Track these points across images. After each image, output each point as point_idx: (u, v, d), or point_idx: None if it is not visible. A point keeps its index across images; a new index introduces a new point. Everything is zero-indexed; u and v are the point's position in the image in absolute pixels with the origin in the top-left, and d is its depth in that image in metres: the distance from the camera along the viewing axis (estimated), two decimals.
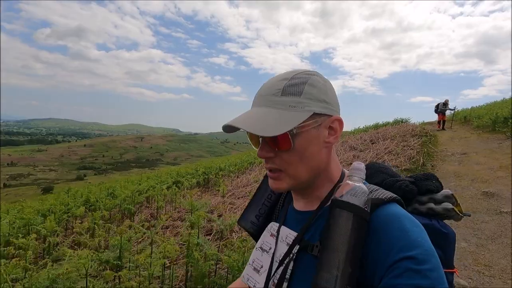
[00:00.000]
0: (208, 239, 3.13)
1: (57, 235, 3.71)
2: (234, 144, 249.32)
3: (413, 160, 6.51)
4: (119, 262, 2.04)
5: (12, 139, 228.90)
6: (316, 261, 0.52)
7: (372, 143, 8.64)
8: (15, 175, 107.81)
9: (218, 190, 6.60)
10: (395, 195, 0.56)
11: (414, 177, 0.77)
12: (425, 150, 7.45)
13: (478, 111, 13.67)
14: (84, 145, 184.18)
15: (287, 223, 0.66)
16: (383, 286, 0.46)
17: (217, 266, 2.62)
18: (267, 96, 0.58)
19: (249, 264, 0.70)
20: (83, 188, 8.89)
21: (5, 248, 2.93)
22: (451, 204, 0.71)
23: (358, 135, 11.02)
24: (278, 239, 0.65)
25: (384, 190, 0.57)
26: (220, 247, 2.97)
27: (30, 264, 2.03)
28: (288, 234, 0.63)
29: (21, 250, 2.63)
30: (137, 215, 4.81)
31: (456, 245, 2.38)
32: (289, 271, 0.58)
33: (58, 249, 2.97)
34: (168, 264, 2.50)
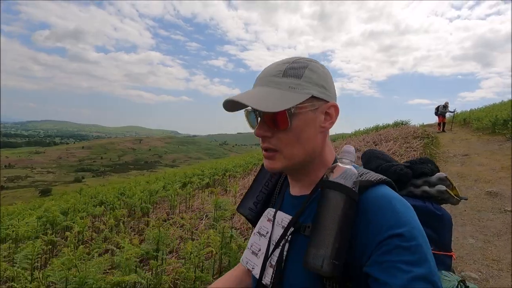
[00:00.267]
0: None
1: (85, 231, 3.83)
2: (233, 146, 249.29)
3: None
4: (157, 254, 2.16)
5: (10, 141, 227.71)
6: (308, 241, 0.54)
7: (375, 145, 8.79)
8: (13, 177, 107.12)
9: (226, 190, 6.72)
10: (385, 177, 0.57)
11: (410, 162, 0.79)
12: (428, 151, 7.61)
13: (477, 114, 13.88)
14: (82, 147, 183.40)
15: (283, 208, 0.68)
16: (371, 263, 0.48)
17: None
18: (268, 77, 0.60)
19: (248, 248, 0.73)
20: (93, 189, 8.98)
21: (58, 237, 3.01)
22: (444, 186, 0.73)
23: (360, 137, 11.18)
24: (274, 223, 0.67)
25: (375, 173, 0.59)
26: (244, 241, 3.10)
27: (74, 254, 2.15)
28: (284, 218, 0.65)
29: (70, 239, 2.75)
30: (153, 214, 4.94)
31: (464, 241, 2.54)
32: (284, 253, 0.60)
33: (92, 243, 3.09)
34: (208, 254, 2.59)
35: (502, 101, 17.59)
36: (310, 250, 0.50)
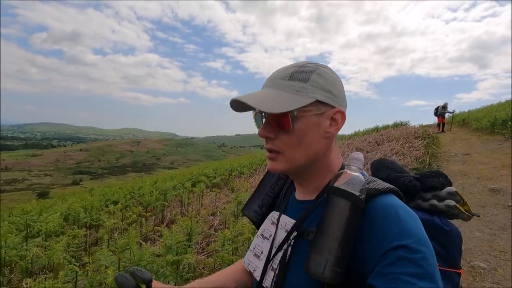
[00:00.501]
0: None
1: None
2: (231, 148, 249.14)
3: (420, 160, 6.81)
4: (189, 242, 2.27)
5: (7, 143, 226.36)
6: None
7: (378, 145, 8.95)
8: (10, 180, 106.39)
9: (232, 190, 6.83)
10: (392, 186, 0.57)
11: (420, 174, 0.77)
12: (430, 151, 7.78)
13: (475, 114, 14.11)
14: (80, 150, 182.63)
15: (288, 212, 0.68)
16: (376, 274, 0.47)
17: None
18: (275, 79, 0.60)
19: (250, 250, 0.73)
20: (101, 190, 9.06)
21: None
22: (453, 201, 0.71)
23: (362, 137, 11.34)
24: (278, 226, 0.67)
25: (383, 182, 0.58)
26: None
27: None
28: (287, 222, 0.65)
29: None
30: (167, 211, 5.05)
31: (471, 235, 2.71)
32: (287, 256, 0.60)
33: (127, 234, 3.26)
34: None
35: (499, 102, 17.87)
36: (312, 256, 0.50)
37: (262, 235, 0.71)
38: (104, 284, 1.69)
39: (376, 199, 0.53)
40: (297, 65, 0.61)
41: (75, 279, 1.76)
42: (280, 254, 0.62)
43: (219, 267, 2.12)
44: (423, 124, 16.51)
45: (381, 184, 0.57)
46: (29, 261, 2.32)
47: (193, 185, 7.17)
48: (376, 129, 15.72)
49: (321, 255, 0.49)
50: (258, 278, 0.65)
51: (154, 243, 2.41)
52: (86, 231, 3.08)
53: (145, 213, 4.10)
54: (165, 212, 4.74)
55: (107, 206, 5.13)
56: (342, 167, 0.64)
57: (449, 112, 13.24)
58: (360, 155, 0.58)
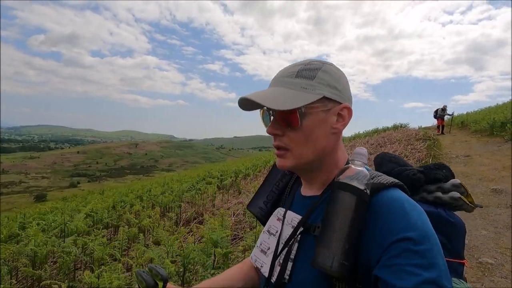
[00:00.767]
0: None
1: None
2: (229, 150, 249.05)
3: (423, 162, 6.98)
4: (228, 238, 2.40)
5: (4, 146, 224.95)
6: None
7: (380, 147, 9.12)
8: (7, 183, 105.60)
9: (239, 192, 6.95)
10: (397, 181, 0.57)
11: (424, 167, 0.78)
12: (432, 153, 7.95)
13: (474, 116, 14.34)
14: (78, 152, 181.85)
15: (293, 208, 0.68)
16: (381, 265, 0.48)
17: None
18: (282, 78, 0.61)
19: (257, 246, 0.73)
20: (113, 191, 9.15)
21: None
22: (458, 193, 0.72)
23: (364, 139, 11.52)
24: (284, 222, 0.67)
25: (387, 176, 0.59)
26: None
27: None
28: (294, 218, 0.65)
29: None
30: (183, 212, 5.18)
31: (477, 233, 2.90)
32: (293, 252, 0.60)
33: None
34: None
35: (497, 104, 18.15)
36: (320, 249, 0.51)
37: (268, 231, 0.71)
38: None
39: (381, 193, 0.54)
40: (302, 63, 0.62)
41: (123, 271, 1.91)
42: (286, 249, 0.62)
43: None
44: (422, 126, 16.75)
45: (386, 179, 0.57)
46: (73, 256, 2.47)
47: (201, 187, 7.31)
48: (376, 131, 15.91)
49: (328, 249, 0.49)
50: (266, 274, 0.66)
51: (186, 238, 2.54)
52: (110, 230, 3.20)
53: (164, 213, 4.26)
54: (182, 212, 4.89)
55: (123, 207, 5.25)
56: (347, 163, 0.64)
57: (448, 115, 13.46)
58: (364, 150, 0.58)
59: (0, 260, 2.71)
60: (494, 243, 3.27)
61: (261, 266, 0.68)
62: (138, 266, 2.02)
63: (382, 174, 0.60)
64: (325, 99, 0.59)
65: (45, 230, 3.61)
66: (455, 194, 0.71)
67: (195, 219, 4.34)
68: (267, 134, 0.64)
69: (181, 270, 1.89)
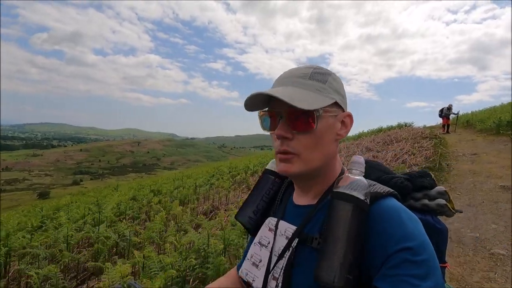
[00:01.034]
0: None
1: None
2: (231, 149, 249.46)
3: (430, 159, 7.07)
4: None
5: (7, 143, 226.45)
6: (316, 253, 0.53)
7: (387, 145, 9.21)
8: (10, 180, 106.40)
9: (248, 188, 7.09)
10: (392, 190, 0.58)
11: (409, 175, 0.78)
12: (439, 151, 8.04)
13: (479, 116, 14.37)
14: (80, 150, 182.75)
15: (286, 218, 0.66)
16: (381, 276, 0.48)
17: None
18: (294, 78, 0.59)
19: (247, 259, 0.69)
20: (125, 186, 9.33)
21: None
22: (444, 200, 0.73)
23: (370, 137, 11.60)
24: (276, 233, 0.65)
25: (382, 185, 0.59)
26: None
27: None
28: (287, 228, 0.63)
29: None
30: (200, 205, 5.34)
31: (488, 227, 3.04)
32: (289, 264, 0.58)
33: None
34: None
35: (501, 103, 18.15)
36: (322, 263, 0.49)
37: (259, 242, 0.68)
38: (203, 251, 2.02)
39: (378, 203, 0.54)
40: (312, 66, 0.61)
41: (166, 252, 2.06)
42: (281, 262, 0.60)
43: None
44: (426, 125, 16.82)
45: (381, 188, 0.58)
46: (113, 241, 2.62)
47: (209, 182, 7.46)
48: (380, 130, 15.98)
49: (331, 262, 0.48)
50: None
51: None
52: (137, 220, 3.35)
53: (183, 206, 4.43)
54: (197, 206, 5.04)
55: (142, 200, 5.45)
56: (342, 172, 0.64)
57: (454, 114, 13.50)
58: (361, 159, 0.58)
59: (1, 251, 2.84)
60: (504, 236, 3.38)
61: (253, 280, 0.65)
62: (181, 247, 2.18)
63: (376, 183, 0.60)
64: (334, 104, 0.59)
65: (70, 220, 3.76)
66: (441, 201, 0.72)
67: (211, 212, 4.48)
68: (269, 133, 0.62)
69: (222, 247, 2.03)
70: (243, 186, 7.49)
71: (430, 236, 0.51)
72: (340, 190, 0.53)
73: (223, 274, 0.71)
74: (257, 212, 0.74)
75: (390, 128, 16.00)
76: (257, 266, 0.66)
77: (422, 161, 7.00)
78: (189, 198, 5.22)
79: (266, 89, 0.59)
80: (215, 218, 3.82)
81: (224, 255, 2.02)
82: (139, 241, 2.67)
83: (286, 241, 0.61)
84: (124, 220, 3.73)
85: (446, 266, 0.74)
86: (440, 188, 0.75)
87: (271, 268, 0.61)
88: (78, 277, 2.53)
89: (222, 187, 5.63)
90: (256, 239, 0.70)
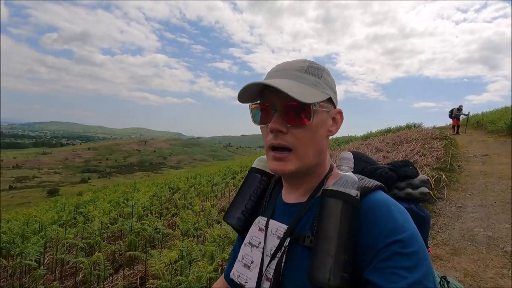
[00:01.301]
0: None
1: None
2: (237, 149, 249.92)
3: (441, 160, 7.12)
4: None
5: (17, 142, 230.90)
6: (309, 252, 0.53)
7: (397, 145, 9.25)
8: (21, 177, 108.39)
9: None
10: (380, 183, 0.58)
11: (393, 164, 0.78)
12: (450, 152, 8.06)
13: (489, 117, 14.26)
14: (88, 148, 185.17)
15: (276, 217, 0.65)
16: (371, 268, 0.48)
17: None
18: (291, 71, 0.58)
19: (239, 260, 0.68)
20: (141, 183, 9.60)
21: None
22: (427, 189, 0.73)
23: (380, 138, 11.64)
24: (267, 233, 0.64)
25: (369, 179, 0.60)
26: None
27: None
28: (278, 227, 0.62)
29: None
30: (218, 203, 5.52)
31: (501, 226, 3.19)
32: (282, 264, 0.57)
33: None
34: None
35: None
36: (316, 262, 0.49)
37: (250, 243, 0.67)
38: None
39: (368, 197, 0.55)
40: (307, 60, 0.61)
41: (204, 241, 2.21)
42: (274, 262, 0.59)
43: None
44: (435, 126, 16.74)
45: (370, 182, 0.58)
46: (149, 233, 2.81)
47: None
48: (389, 131, 15.97)
49: (324, 262, 0.48)
50: None
51: None
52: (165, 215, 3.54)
53: (205, 202, 4.63)
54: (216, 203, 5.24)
55: (163, 196, 5.71)
56: (331, 168, 0.64)
57: (464, 114, 13.43)
58: (350, 155, 0.57)
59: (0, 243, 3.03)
60: None
61: (246, 282, 0.64)
62: (218, 238, 2.34)
63: (364, 177, 0.60)
64: (328, 100, 0.59)
65: (100, 214, 3.98)
66: (424, 189, 0.73)
67: None
68: (260, 127, 0.62)
69: None
70: None
71: (415, 224, 0.52)
72: (330, 187, 0.53)
73: None
74: (246, 212, 0.72)
75: (399, 129, 15.99)
76: (249, 267, 0.65)
77: (433, 161, 7.05)
78: (208, 195, 5.41)
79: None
80: None
81: None
82: (173, 233, 2.85)
83: (278, 241, 0.60)
84: (149, 215, 3.93)
85: (429, 251, 0.73)
86: (422, 176, 0.76)
87: (264, 269, 0.61)
88: (113, 267, 2.72)
89: (237, 186, 5.80)
90: (246, 240, 0.68)
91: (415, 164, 6.83)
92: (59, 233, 3.01)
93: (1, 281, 3.03)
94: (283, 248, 0.58)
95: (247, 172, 0.78)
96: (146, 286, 2.18)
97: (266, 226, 0.65)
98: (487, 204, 4.59)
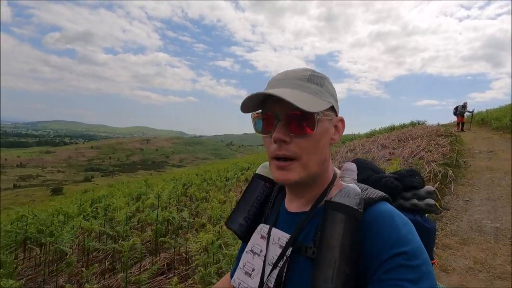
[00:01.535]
0: None
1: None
2: (239, 147, 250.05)
3: (447, 156, 7.23)
4: None
5: (21, 141, 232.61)
6: (311, 263, 0.53)
7: (403, 142, 9.36)
8: (25, 176, 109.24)
9: None
10: (384, 194, 0.58)
11: (399, 174, 0.77)
12: (456, 148, 8.17)
13: (494, 114, 14.30)
14: (91, 147, 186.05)
15: (279, 225, 0.65)
16: (375, 280, 0.48)
17: None
18: (293, 80, 0.59)
19: (240, 268, 0.68)
20: (153, 180, 9.81)
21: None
22: (433, 200, 0.72)
23: (385, 135, 11.74)
24: (269, 241, 0.64)
25: (373, 189, 0.59)
26: None
27: None
28: (281, 236, 0.62)
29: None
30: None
31: (507, 218, 3.37)
32: (283, 274, 0.57)
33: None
34: None
35: None
36: (317, 274, 0.49)
37: (252, 250, 0.67)
38: None
39: (372, 208, 0.55)
40: (308, 69, 0.61)
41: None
42: (275, 271, 0.59)
43: None
44: (439, 123, 16.78)
45: (373, 192, 0.58)
46: (178, 221, 2.98)
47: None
48: (393, 128, 16.04)
49: (326, 274, 0.48)
50: None
51: None
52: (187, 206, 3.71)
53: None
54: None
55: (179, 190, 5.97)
56: (334, 177, 0.64)
57: (469, 112, 13.48)
58: (353, 166, 0.58)
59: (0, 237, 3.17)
60: None
61: None
62: None
63: (368, 187, 0.60)
64: (330, 108, 0.60)
65: (120, 207, 4.16)
66: (430, 200, 0.72)
67: None
68: (262, 137, 0.61)
69: None
70: None
71: (419, 235, 0.52)
72: (333, 199, 0.53)
73: None
74: (248, 219, 0.73)
75: (403, 126, 16.04)
76: (250, 275, 0.65)
77: (439, 157, 7.15)
78: (224, 189, 5.59)
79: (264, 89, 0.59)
80: None
81: None
82: (199, 221, 3.01)
83: (280, 250, 0.60)
84: (169, 207, 4.11)
85: (434, 263, 0.73)
86: (429, 187, 0.75)
87: (265, 278, 0.61)
88: (141, 254, 2.88)
89: (248, 181, 6.03)
90: (248, 247, 0.69)
91: (422, 160, 6.94)
92: (86, 223, 3.18)
93: (31, 269, 3.20)
94: (285, 258, 0.59)
95: (255, 167, 0.83)
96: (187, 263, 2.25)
97: (269, 234, 0.65)
98: (493, 198, 4.71)
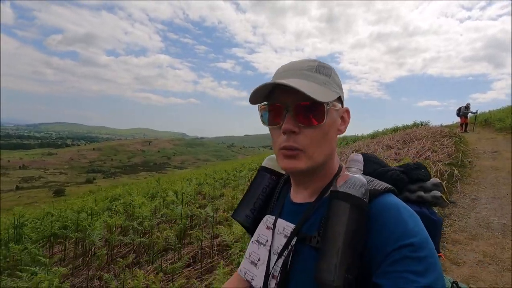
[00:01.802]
0: None
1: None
2: (240, 148, 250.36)
3: (453, 156, 7.36)
4: None
5: (24, 142, 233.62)
6: (315, 253, 0.53)
7: (408, 143, 9.49)
8: (27, 178, 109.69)
9: None
10: (390, 186, 0.57)
11: (404, 167, 0.76)
12: (461, 148, 8.29)
13: (497, 114, 14.40)
14: (93, 149, 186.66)
15: (284, 216, 0.65)
16: (381, 272, 0.48)
17: None
18: (301, 71, 0.58)
19: (246, 257, 0.70)
20: (165, 180, 9.97)
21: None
22: (439, 192, 0.72)
23: (389, 136, 11.88)
24: (274, 231, 0.65)
25: (379, 181, 0.59)
26: None
27: None
28: (285, 226, 0.63)
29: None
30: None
31: None
32: (288, 263, 0.58)
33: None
34: None
35: None
36: (321, 263, 0.49)
37: (257, 241, 0.68)
38: None
39: (377, 200, 0.54)
40: (315, 60, 0.61)
41: None
42: (280, 260, 0.60)
43: None
44: (442, 124, 16.90)
45: (379, 184, 0.57)
46: (204, 216, 3.13)
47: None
48: (396, 129, 16.16)
49: (330, 263, 0.48)
50: (258, 287, 0.64)
51: None
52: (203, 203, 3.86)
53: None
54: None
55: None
56: (339, 169, 0.64)
57: (472, 112, 13.58)
58: (359, 157, 0.57)
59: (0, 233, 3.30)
60: None
61: (252, 279, 0.66)
62: None
63: (374, 179, 0.60)
64: (338, 99, 0.60)
65: (143, 204, 4.34)
66: (437, 193, 0.71)
67: None
68: (269, 128, 0.61)
69: None
70: None
71: (426, 228, 0.51)
72: (338, 189, 0.53)
73: None
74: (254, 210, 0.74)
75: (406, 127, 16.16)
76: (255, 264, 0.66)
77: (445, 157, 7.29)
78: (238, 188, 5.75)
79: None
80: None
81: None
82: (223, 215, 3.16)
83: (285, 240, 0.61)
84: (188, 204, 4.28)
85: (441, 256, 0.72)
86: (435, 180, 0.74)
87: (271, 267, 0.62)
88: (165, 247, 3.03)
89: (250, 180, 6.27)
90: (254, 237, 0.70)
91: (428, 160, 7.08)
92: (110, 219, 3.34)
93: (56, 264, 3.35)
94: (289, 247, 0.59)
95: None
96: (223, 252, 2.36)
97: (274, 224, 0.66)
98: (499, 196, 4.84)
